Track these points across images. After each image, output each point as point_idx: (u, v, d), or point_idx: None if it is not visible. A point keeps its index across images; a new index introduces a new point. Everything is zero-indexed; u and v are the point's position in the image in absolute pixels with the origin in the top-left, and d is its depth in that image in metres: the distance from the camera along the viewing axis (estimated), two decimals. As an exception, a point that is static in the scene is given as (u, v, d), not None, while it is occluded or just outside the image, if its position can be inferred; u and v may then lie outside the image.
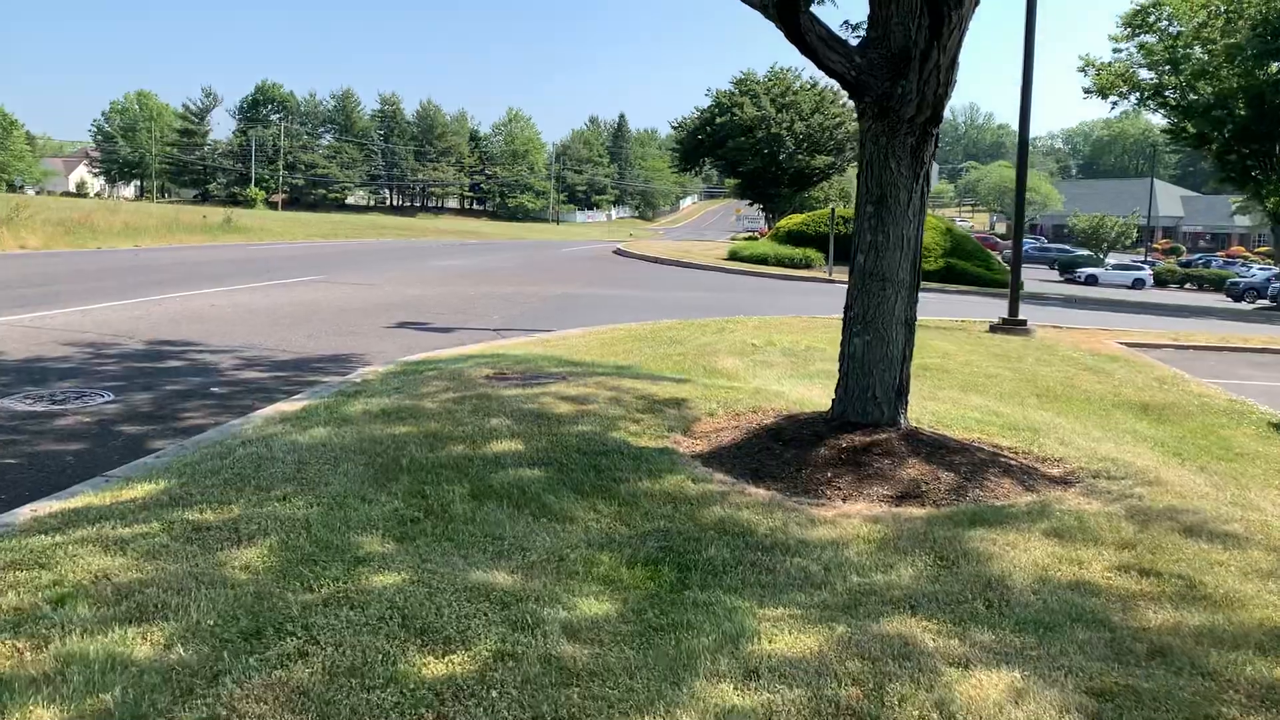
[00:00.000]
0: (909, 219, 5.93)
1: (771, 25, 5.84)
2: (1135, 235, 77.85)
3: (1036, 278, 45.21)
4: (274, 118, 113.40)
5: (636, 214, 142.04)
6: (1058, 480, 5.89)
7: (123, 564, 3.84)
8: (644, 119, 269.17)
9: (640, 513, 4.84)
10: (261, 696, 2.87)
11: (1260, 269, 55.90)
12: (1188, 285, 56.98)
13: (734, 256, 34.68)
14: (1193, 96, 32.86)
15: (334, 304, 15.44)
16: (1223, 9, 31.19)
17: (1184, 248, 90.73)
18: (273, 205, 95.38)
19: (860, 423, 6.07)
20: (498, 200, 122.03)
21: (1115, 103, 35.27)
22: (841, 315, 6.32)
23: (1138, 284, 52.98)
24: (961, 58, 5.75)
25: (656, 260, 34.97)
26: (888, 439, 5.88)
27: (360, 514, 4.55)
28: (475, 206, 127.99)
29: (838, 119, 57.23)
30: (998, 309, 18.14)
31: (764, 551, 4.39)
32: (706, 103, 58.67)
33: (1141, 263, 62.37)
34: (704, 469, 5.69)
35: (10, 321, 11.72)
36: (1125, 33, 33.59)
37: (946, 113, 6.08)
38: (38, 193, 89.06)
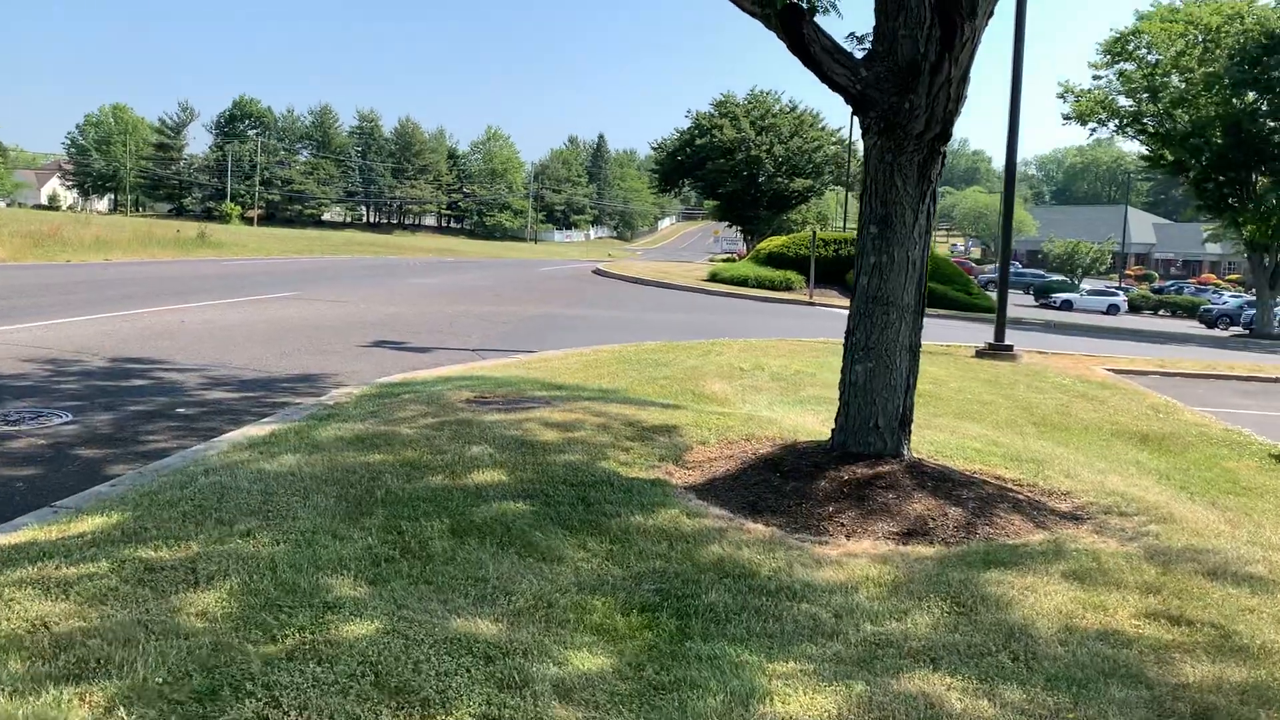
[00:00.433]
0: (914, 240, 5.66)
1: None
2: (1109, 261, 78.71)
3: (1013, 302, 44.96)
4: (251, 133, 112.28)
5: (614, 234, 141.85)
6: (1068, 516, 5.62)
7: (64, 610, 3.47)
8: (623, 140, 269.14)
9: (634, 551, 4.51)
10: (213, 774, 2.51)
11: (1231, 296, 56.65)
12: (1161, 311, 57.66)
13: (714, 278, 34.55)
14: (1171, 124, 33.14)
15: (308, 321, 15.00)
16: (1200, 38, 31.53)
17: (1156, 274, 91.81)
18: (249, 221, 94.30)
19: (862, 453, 5.78)
20: (475, 219, 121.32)
21: (1094, 129, 35.59)
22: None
23: (1112, 309, 53.51)
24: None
25: (637, 280, 34.68)
26: (892, 471, 5.59)
27: (330, 552, 4.19)
28: (453, 225, 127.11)
29: (816, 142, 57.59)
30: (981, 334, 18.01)
31: (768, 596, 4.07)
32: (686, 124, 58.86)
33: (1115, 289, 63.04)
34: (699, 502, 5.38)
35: (-33, 336, 11.23)
36: (1105, 60, 33.91)
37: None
38: (9, 204, 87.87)
